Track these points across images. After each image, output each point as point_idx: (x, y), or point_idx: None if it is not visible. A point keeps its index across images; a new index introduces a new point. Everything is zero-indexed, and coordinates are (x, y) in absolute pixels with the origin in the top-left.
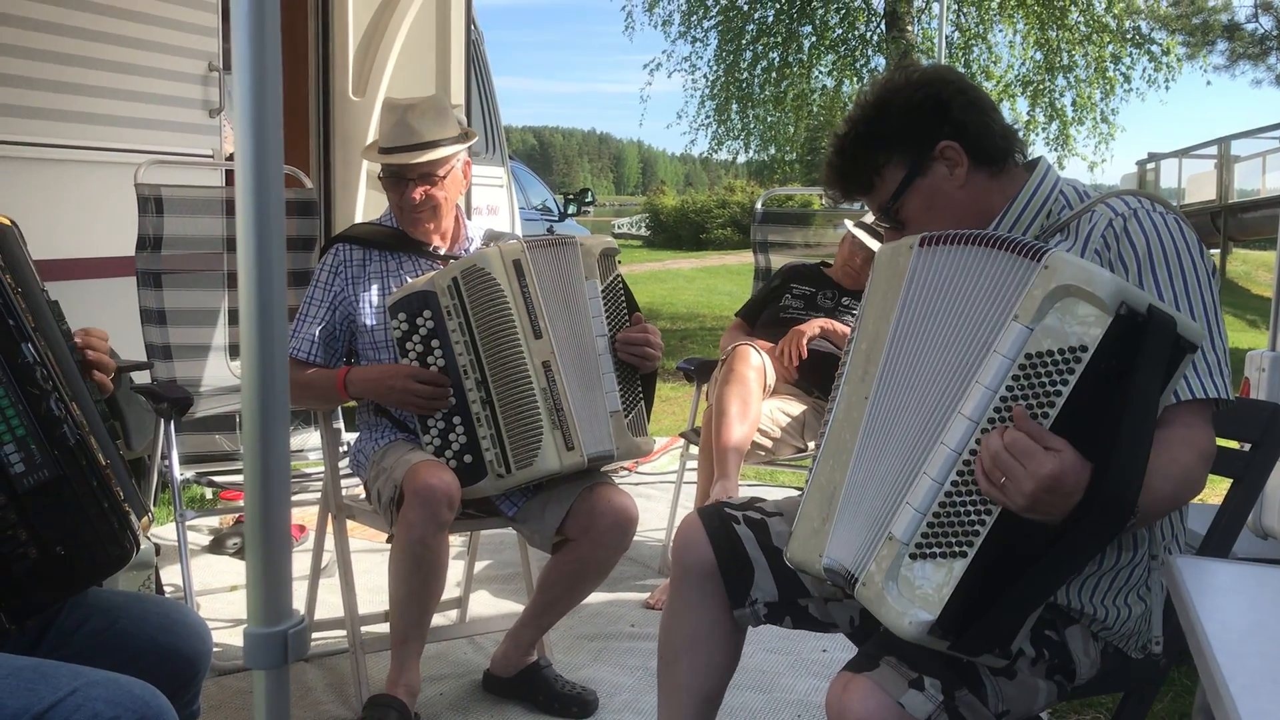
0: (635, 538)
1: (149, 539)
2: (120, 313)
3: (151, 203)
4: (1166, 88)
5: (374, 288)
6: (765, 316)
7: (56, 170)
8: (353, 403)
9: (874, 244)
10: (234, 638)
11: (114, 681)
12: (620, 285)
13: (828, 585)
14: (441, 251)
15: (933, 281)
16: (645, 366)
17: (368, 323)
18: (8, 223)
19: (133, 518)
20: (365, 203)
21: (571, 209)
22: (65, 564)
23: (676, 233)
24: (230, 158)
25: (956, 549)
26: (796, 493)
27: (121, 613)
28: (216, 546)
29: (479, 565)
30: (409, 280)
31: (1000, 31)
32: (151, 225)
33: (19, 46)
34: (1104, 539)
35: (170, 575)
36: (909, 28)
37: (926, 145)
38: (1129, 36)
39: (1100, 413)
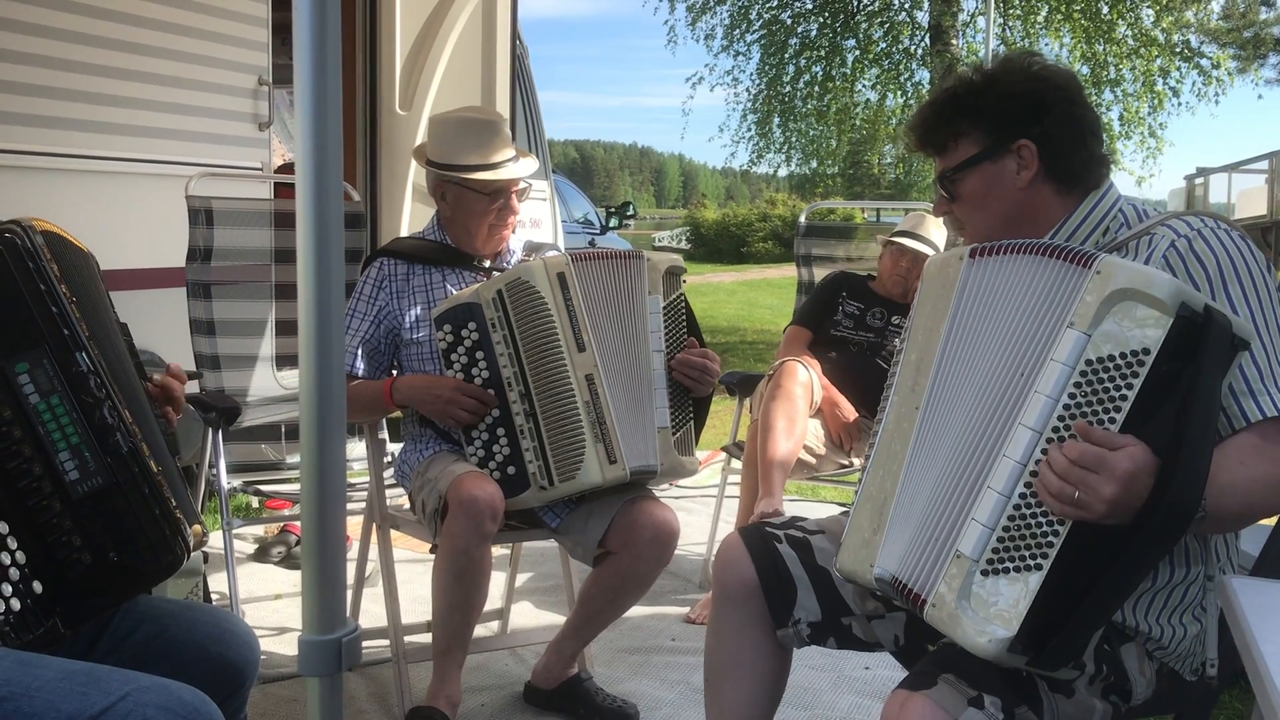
0: (676, 552)
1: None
2: (170, 323)
3: (202, 214)
4: (1216, 102)
5: (418, 301)
6: (817, 333)
7: (111, 182)
8: (397, 413)
9: (915, 245)
10: (279, 646)
11: (165, 687)
12: (682, 305)
13: (870, 603)
14: (487, 265)
15: (983, 292)
16: (698, 390)
17: (412, 336)
18: (84, 249)
19: (184, 525)
20: (411, 215)
21: (613, 222)
22: (118, 570)
23: (717, 246)
24: (278, 170)
25: (1030, 562)
26: (839, 510)
27: (172, 621)
28: (261, 555)
29: (521, 577)
30: (453, 293)
31: (1046, 45)
32: (202, 237)
33: (77, 62)
34: (1174, 538)
35: (216, 583)
36: (953, 41)
37: (1007, 135)
38: (1178, 50)
39: (1165, 413)
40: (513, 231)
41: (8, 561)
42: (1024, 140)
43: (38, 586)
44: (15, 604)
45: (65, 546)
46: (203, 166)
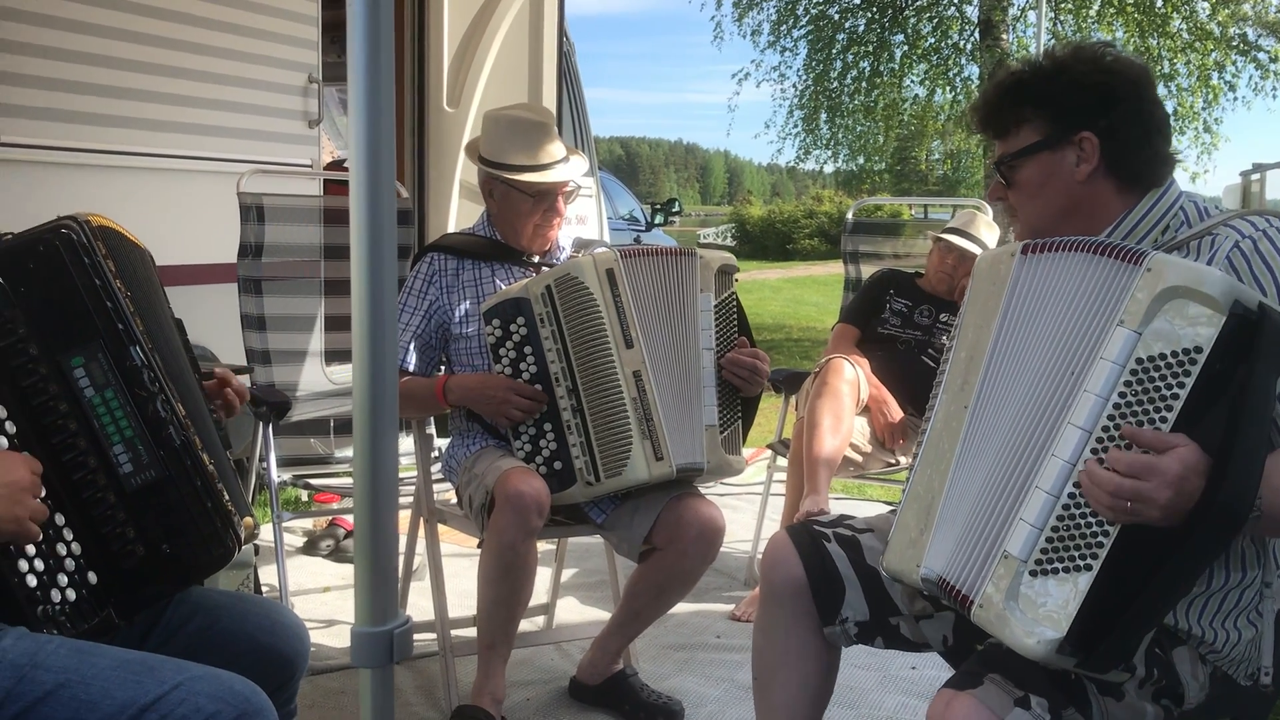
0: (721, 549)
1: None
2: (222, 318)
3: (253, 211)
4: (1274, 96)
5: (467, 296)
6: (865, 330)
7: (166, 179)
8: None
9: (961, 243)
10: (327, 638)
11: (217, 677)
12: (734, 303)
13: (918, 603)
14: (536, 260)
15: (1035, 289)
16: (747, 390)
17: (462, 330)
18: (140, 244)
19: (235, 518)
20: (458, 212)
21: (659, 219)
22: (170, 561)
23: (763, 243)
24: (327, 167)
25: (1080, 562)
26: (886, 508)
27: (224, 612)
28: (310, 548)
29: (566, 573)
30: (502, 288)
31: (1098, 39)
32: (253, 233)
33: (133, 60)
34: (1227, 538)
35: (266, 575)
36: (1003, 36)
37: (1070, 126)
38: (1234, 44)
39: (1217, 413)
40: (559, 231)
41: (64, 552)
42: (1087, 132)
43: (92, 577)
44: (71, 594)
45: (119, 538)
46: (254, 163)
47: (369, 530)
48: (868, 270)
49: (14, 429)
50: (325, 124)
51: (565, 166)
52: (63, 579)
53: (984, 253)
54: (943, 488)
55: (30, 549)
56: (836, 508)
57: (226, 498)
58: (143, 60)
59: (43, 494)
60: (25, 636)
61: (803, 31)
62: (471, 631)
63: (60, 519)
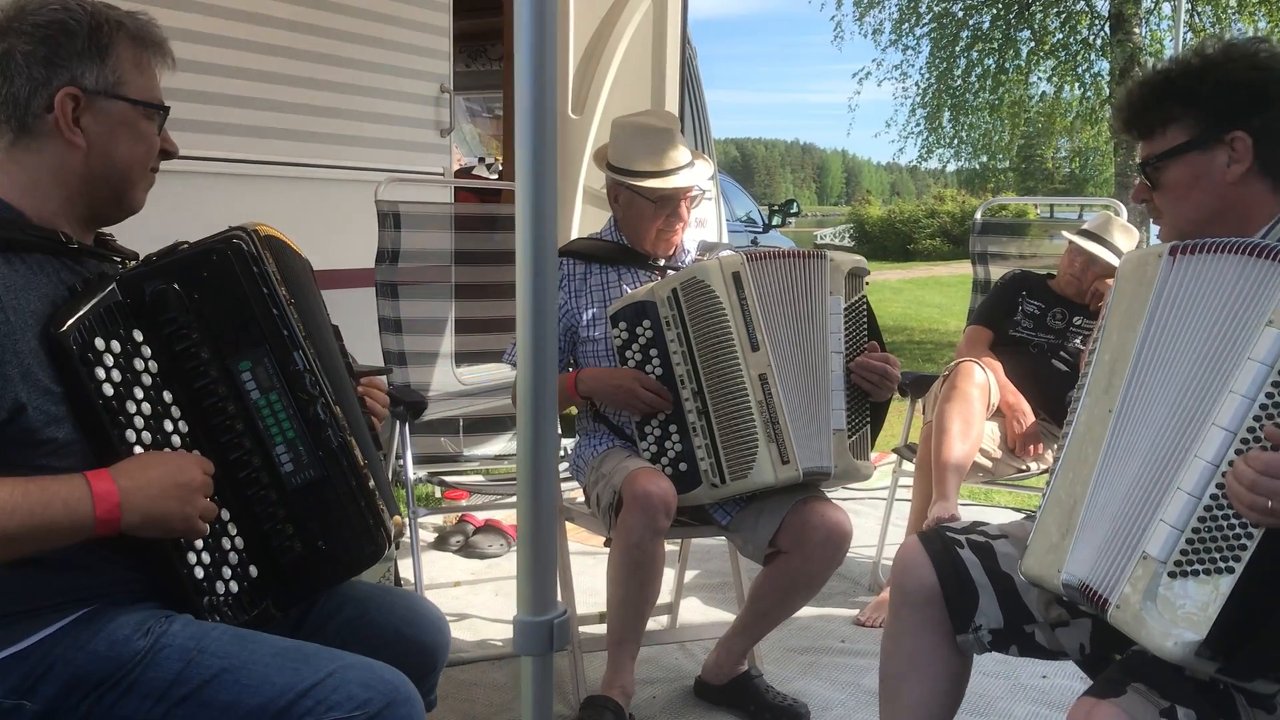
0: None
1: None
2: (359, 321)
3: (390, 218)
4: None
5: (595, 300)
6: (997, 333)
7: (310, 188)
8: (572, 409)
9: (1091, 247)
10: (458, 632)
11: (368, 666)
12: (864, 306)
13: (1054, 610)
14: (662, 264)
15: (1183, 291)
16: (877, 395)
17: (589, 333)
18: (294, 246)
19: (386, 516)
20: (581, 217)
21: (776, 220)
22: (326, 558)
23: (882, 243)
24: (457, 174)
25: (1221, 564)
26: (1018, 515)
27: (371, 604)
28: (440, 543)
29: (689, 573)
30: (628, 291)
31: (1239, 31)
32: (390, 239)
33: (275, 73)
34: None
35: (402, 569)
36: (1136, 30)
37: (1221, 126)
38: None
39: None
40: (683, 235)
41: (228, 546)
42: (1239, 132)
43: (253, 570)
44: (234, 586)
45: (279, 534)
46: (390, 172)
47: (531, 525)
48: (996, 271)
49: (185, 428)
50: (456, 133)
51: (689, 172)
52: (227, 571)
53: (1128, 254)
54: (1085, 492)
55: (198, 542)
56: (964, 513)
57: (378, 497)
58: (291, 74)
59: (212, 493)
60: (191, 623)
61: (925, 29)
62: (596, 628)
63: (226, 514)
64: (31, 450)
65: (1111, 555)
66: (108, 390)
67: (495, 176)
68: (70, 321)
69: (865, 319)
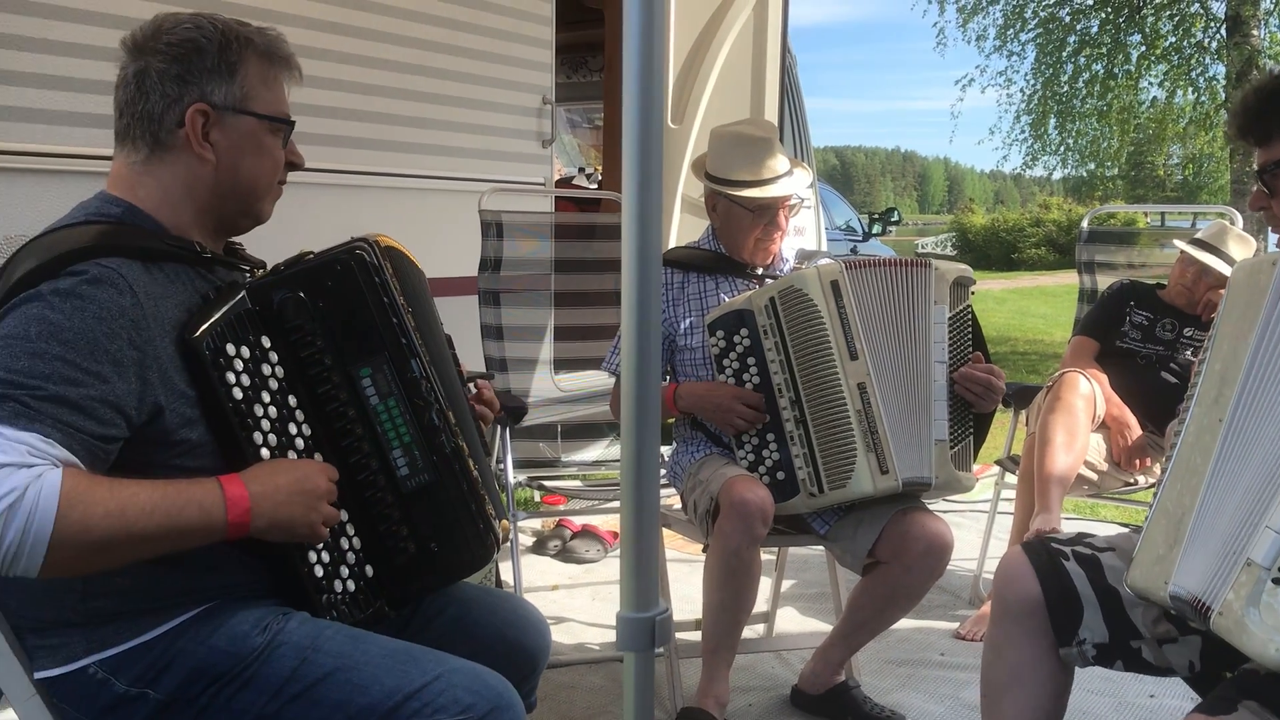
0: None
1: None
2: (462, 328)
3: (493, 227)
4: None
5: (692, 309)
6: (1103, 343)
7: (419, 198)
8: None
9: (1204, 257)
10: (556, 634)
11: (474, 671)
12: (969, 316)
13: (1161, 626)
14: (759, 273)
15: None
16: (981, 406)
17: (686, 342)
18: (410, 256)
19: (495, 521)
20: (679, 227)
21: (876, 228)
22: (437, 560)
23: (986, 252)
24: (557, 183)
25: None
26: (1124, 529)
27: (475, 604)
28: (539, 547)
29: (785, 583)
30: (726, 300)
31: None
32: (492, 248)
33: (385, 87)
34: None
35: (502, 572)
36: (1254, 32)
37: None
38: None
39: None
40: (780, 244)
41: (346, 546)
42: None
43: (369, 570)
44: (350, 585)
45: (394, 536)
46: (494, 182)
47: (634, 525)
48: (1103, 281)
49: (309, 431)
50: (557, 144)
51: (787, 181)
52: (344, 571)
53: (1241, 261)
54: (1194, 503)
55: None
56: (1068, 528)
57: (488, 502)
58: (400, 88)
59: (336, 499)
60: (307, 621)
61: (1031, 35)
62: (692, 635)
63: (344, 515)
64: (166, 451)
65: (1218, 565)
66: (237, 394)
67: (595, 186)
68: (204, 327)
69: (970, 329)
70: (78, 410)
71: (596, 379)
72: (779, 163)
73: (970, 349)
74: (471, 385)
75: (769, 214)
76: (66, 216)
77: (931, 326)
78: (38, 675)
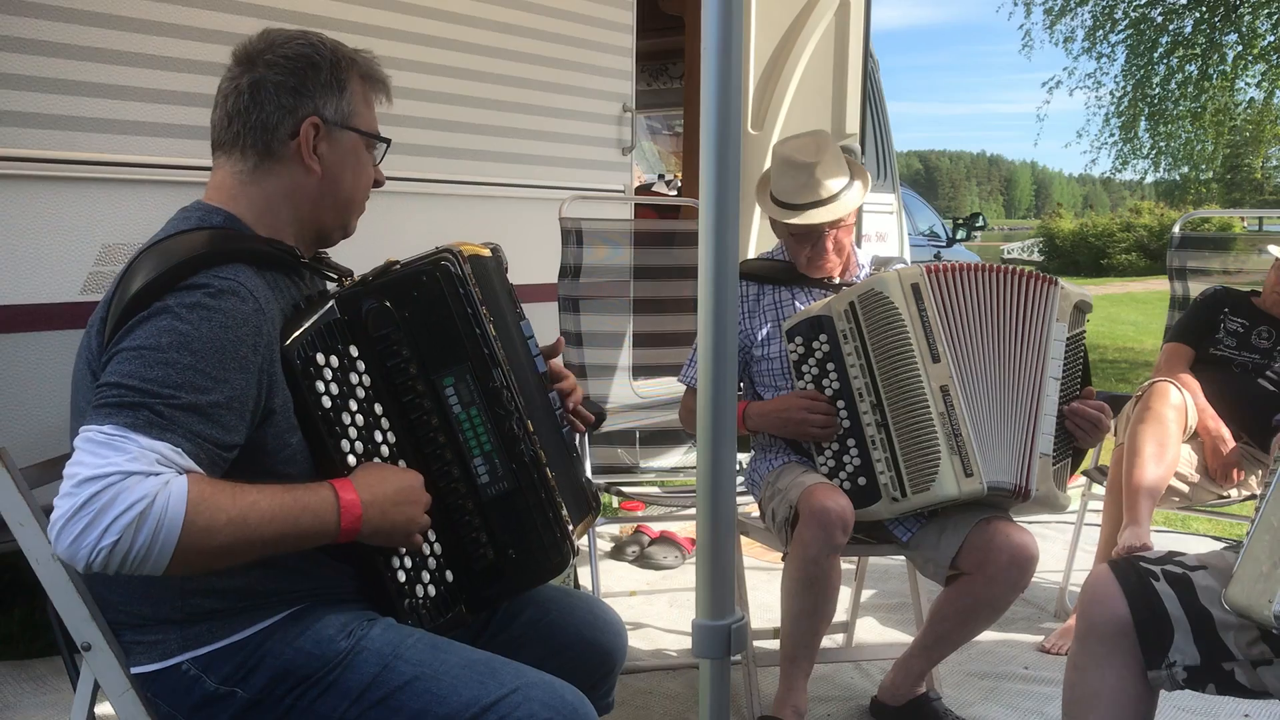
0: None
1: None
2: (542, 335)
3: (573, 235)
4: None
5: (768, 320)
6: (1196, 351)
7: (497, 206)
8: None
9: None
10: (634, 640)
11: (550, 685)
12: (1083, 342)
13: (1256, 647)
14: (835, 281)
15: None
16: (1084, 442)
17: (763, 353)
18: (487, 253)
19: (571, 528)
20: (758, 235)
21: (960, 234)
22: (515, 566)
23: (1073, 258)
24: (637, 191)
25: None
26: (1218, 544)
27: (553, 605)
28: (616, 553)
29: (865, 593)
30: (801, 309)
31: None
32: (572, 255)
33: (467, 97)
34: None
35: (580, 576)
36: None
37: None
38: None
39: None
40: (837, 261)
41: (428, 552)
42: None
43: (449, 575)
44: (431, 590)
45: (474, 542)
46: (574, 190)
47: (710, 533)
48: (1196, 288)
49: (394, 439)
50: (637, 151)
51: (832, 206)
52: (426, 576)
53: None
54: None
55: (402, 548)
56: (1157, 540)
57: (564, 510)
58: (482, 97)
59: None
60: (391, 627)
61: (1121, 36)
62: (770, 643)
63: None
64: (272, 456)
65: None
66: (326, 402)
67: (675, 193)
68: (295, 336)
69: (1082, 355)
70: (205, 418)
71: (675, 386)
72: (825, 187)
73: (1080, 374)
74: (555, 395)
75: (812, 238)
76: (172, 223)
77: (1051, 342)
78: (134, 670)
